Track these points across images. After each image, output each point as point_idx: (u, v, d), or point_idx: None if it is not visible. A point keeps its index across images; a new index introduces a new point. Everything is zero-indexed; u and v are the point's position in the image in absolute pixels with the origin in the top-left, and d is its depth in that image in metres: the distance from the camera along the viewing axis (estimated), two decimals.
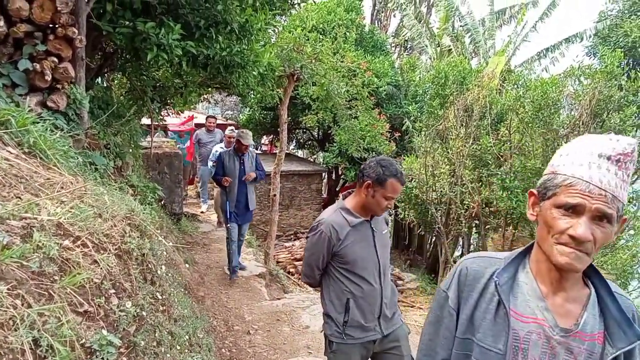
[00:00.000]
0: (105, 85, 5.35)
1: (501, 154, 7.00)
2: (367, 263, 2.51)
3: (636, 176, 6.86)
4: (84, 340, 1.45)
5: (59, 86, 3.13)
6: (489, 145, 6.92)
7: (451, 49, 14.83)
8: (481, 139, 7.13)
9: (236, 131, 6.50)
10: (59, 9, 2.98)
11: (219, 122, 15.10)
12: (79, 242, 1.71)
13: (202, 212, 9.63)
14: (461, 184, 7.20)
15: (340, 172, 14.62)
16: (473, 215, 7.23)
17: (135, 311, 1.84)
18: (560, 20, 17.78)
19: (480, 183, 7.14)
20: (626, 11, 11.83)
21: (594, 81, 6.22)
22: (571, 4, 21.67)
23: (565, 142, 6.46)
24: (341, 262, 2.50)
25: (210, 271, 6.36)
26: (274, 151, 11.09)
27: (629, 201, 6.91)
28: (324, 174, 15.34)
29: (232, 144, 7.23)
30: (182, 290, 3.81)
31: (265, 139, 18.68)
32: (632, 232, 7.49)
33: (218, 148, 7.72)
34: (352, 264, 2.48)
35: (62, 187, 1.98)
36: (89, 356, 1.44)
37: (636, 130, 6.81)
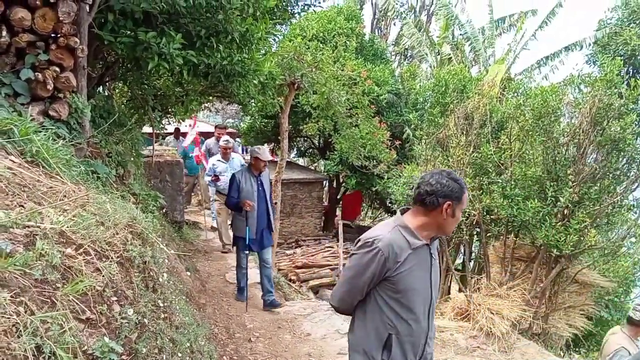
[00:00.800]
0: (106, 94, 5.39)
1: (502, 162, 7.01)
2: (419, 295, 2.17)
3: (637, 184, 6.87)
4: (86, 347, 1.46)
5: (60, 95, 3.16)
6: (489, 153, 6.93)
7: (451, 57, 14.90)
8: (482, 147, 7.14)
9: (251, 147, 6.19)
10: (61, 18, 3.01)
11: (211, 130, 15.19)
12: (81, 250, 1.72)
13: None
14: None
15: (341, 180, 14.63)
16: (474, 223, 7.22)
17: (137, 318, 1.85)
18: (559, 29, 17.88)
19: (481, 191, 7.14)
20: (625, 19, 11.89)
21: (593, 89, 6.24)
22: (570, 12, 21.79)
23: (566, 150, 6.50)
24: (391, 291, 2.12)
25: (211, 279, 6.37)
26: (275, 159, 11.12)
27: (629, 208, 6.91)
28: (325, 182, 15.36)
29: (228, 154, 7.21)
30: (184, 297, 3.81)
31: (266, 147, 18.72)
32: (633, 239, 7.48)
33: (215, 160, 7.34)
34: (404, 294, 2.12)
35: (65, 196, 2.00)
36: None
37: (636, 139, 6.83)
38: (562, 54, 14.26)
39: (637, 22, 11.57)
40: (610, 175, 6.35)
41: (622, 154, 6.28)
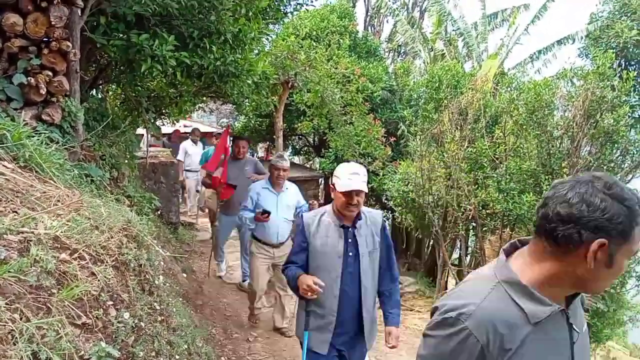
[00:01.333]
0: (100, 97, 5.37)
1: (496, 156, 7.04)
2: None
3: (631, 175, 6.90)
4: (82, 352, 1.46)
5: (53, 99, 3.15)
6: (484, 147, 6.96)
7: (444, 53, 14.91)
8: (476, 141, 7.16)
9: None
10: (52, 23, 3.00)
11: (210, 130, 15.06)
12: (76, 255, 1.72)
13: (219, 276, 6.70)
14: (457, 187, 7.22)
15: None
16: (470, 217, 7.25)
17: (134, 322, 1.85)
18: (551, 23, 17.92)
19: (477, 186, 7.17)
20: (617, 12, 11.91)
21: (586, 82, 6.27)
22: (562, 6, 21.84)
23: (560, 144, 6.53)
24: None
25: (208, 280, 6.36)
26: (270, 158, 11.10)
27: None
28: (320, 179, 15.35)
29: (282, 180, 4.79)
30: (181, 299, 3.81)
31: (261, 146, 18.70)
32: None
33: (260, 188, 5.05)
34: None
35: (59, 201, 2.00)
36: None
37: (629, 130, 6.86)
38: (554, 48, 14.27)
39: (629, 14, 11.59)
40: (605, 167, 6.38)
41: (615, 145, 6.32)
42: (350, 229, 2.76)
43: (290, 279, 2.82)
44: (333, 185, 2.73)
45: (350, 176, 2.64)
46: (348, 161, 9.69)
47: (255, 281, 4.87)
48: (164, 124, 7.55)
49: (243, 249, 6.08)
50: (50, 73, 3.11)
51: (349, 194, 2.63)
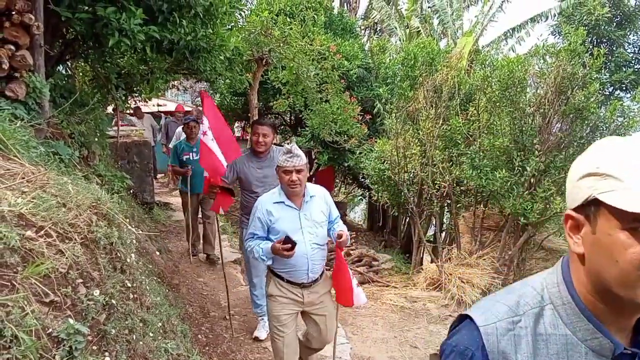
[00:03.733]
0: (67, 73, 5.20)
1: (470, 133, 7.10)
2: None
3: None
4: (50, 329, 1.44)
5: (17, 75, 3.05)
6: (458, 125, 7.00)
7: (420, 31, 14.87)
8: (451, 119, 7.20)
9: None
10: None
11: (187, 108, 14.81)
12: (42, 232, 1.68)
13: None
14: (432, 164, 7.28)
15: (313, 157, 14.61)
16: (444, 194, 7.33)
17: (105, 300, 1.82)
18: (525, 1, 18.00)
19: (451, 163, 7.23)
20: None
21: (558, 59, 6.33)
22: None
23: (532, 120, 6.61)
24: None
25: (184, 259, 6.33)
26: (247, 137, 11.01)
27: None
28: None
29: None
30: (155, 278, 3.79)
31: (237, 125, 18.53)
32: None
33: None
34: None
35: (23, 177, 1.94)
36: (56, 345, 1.43)
37: (600, 107, 6.98)
38: (528, 26, 14.37)
39: None
40: (575, 143, 6.50)
41: (586, 122, 6.42)
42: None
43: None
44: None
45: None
46: (324, 139, 9.69)
47: (280, 341, 3.22)
48: (135, 102, 7.38)
49: (251, 272, 4.54)
50: (12, 47, 3.00)
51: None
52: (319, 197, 3.31)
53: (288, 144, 4.07)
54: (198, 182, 5.87)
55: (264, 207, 3.18)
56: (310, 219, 3.18)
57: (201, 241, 6.65)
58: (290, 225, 3.11)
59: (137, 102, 7.48)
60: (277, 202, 3.17)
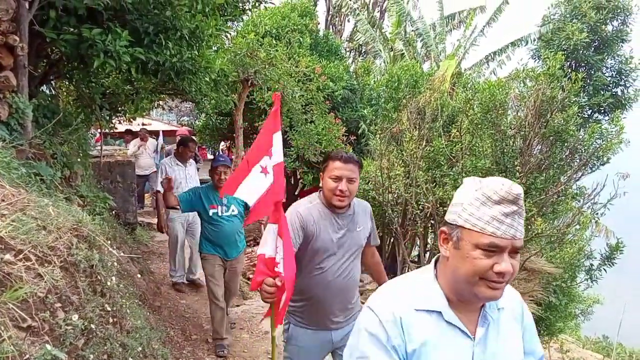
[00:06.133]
0: (51, 93, 5.18)
1: (453, 154, 7.19)
2: None
3: (580, 173, 7.18)
4: (27, 355, 1.42)
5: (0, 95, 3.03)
6: (441, 146, 7.09)
7: (404, 53, 15.13)
8: (434, 140, 7.29)
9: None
10: None
11: (172, 128, 14.76)
12: (21, 256, 1.66)
13: None
14: (416, 185, 7.34)
15: (298, 177, 14.63)
16: (428, 215, 7.38)
17: (84, 324, 1.80)
18: (506, 25, 18.46)
19: (434, 183, 7.30)
20: (568, 15, 12.40)
21: (537, 83, 6.48)
22: (516, 9, 22.54)
23: (513, 142, 6.72)
24: None
25: (166, 280, 6.25)
26: (232, 157, 10.99)
27: (573, 197, 7.23)
28: None
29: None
30: (137, 301, 3.73)
31: (222, 145, 18.52)
32: (577, 226, 7.82)
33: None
34: None
35: (3, 200, 1.92)
36: None
37: (579, 130, 7.13)
38: (508, 50, 14.72)
39: (579, 17, 12.08)
40: (555, 165, 6.61)
41: (565, 144, 6.56)
42: None
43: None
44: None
45: None
46: (309, 159, 9.72)
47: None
48: (120, 122, 7.35)
49: None
50: None
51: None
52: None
53: None
54: (231, 245, 4.59)
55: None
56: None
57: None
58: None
59: (122, 122, 7.41)
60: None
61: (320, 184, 2.66)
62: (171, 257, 6.09)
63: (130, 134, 11.33)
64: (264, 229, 2.82)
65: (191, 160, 6.38)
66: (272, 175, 2.57)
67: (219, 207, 4.46)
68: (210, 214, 4.44)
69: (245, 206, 4.55)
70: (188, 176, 6.06)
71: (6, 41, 3.02)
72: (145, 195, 11.37)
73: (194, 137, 6.11)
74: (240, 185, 2.59)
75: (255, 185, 2.58)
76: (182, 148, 6.06)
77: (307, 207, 2.66)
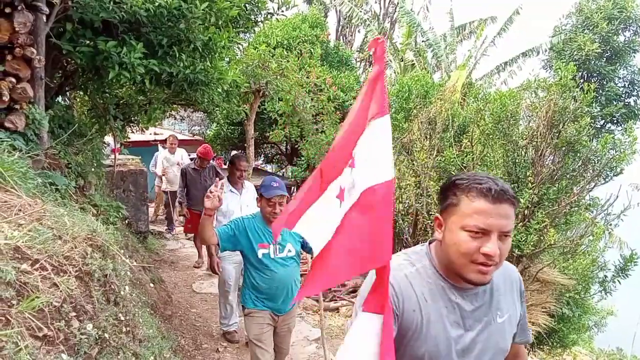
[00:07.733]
0: (66, 104, 5.26)
1: (464, 165, 7.17)
2: None
3: (593, 184, 7.12)
4: None
5: (17, 106, 3.08)
6: (452, 156, 7.08)
7: (414, 64, 15.18)
8: (445, 150, 7.28)
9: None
10: (16, 29, 2.95)
11: (183, 137, 14.84)
12: (37, 266, 1.69)
13: None
14: (427, 195, 7.32)
15: None
16: None
17: (97, 333, 1.82)
18: (517, 35, 18.44)
19: None
20: (579, 26, 12.38)
21: (549, 94, 6.46)
22: (527, 19, 22.51)
23: (525, 153, 6.68)
24: None
25: (177, 289, 6.28)
26: (221, 166, 11.05)
27: (586, 208, 7.16)
28: (292, 188, 15.37)
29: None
30: (148, 310, 3.76)
31: (233, 154, 18.65)
32: (591, 237, 7.73)
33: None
34: None
35: (20, 210, 1.95)
36: None
37: (591, 140, 7.08)
38: (519, 60, 14.71)
39: (591, 28, 12.05)
40: (568, 176, 6.56)
41: (577, 155, 6.51)
42: None
43: None
44: None
45: None
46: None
47: None
48: (132, 132, 7.43)
49: None
50: (13, 80, 3.04)
51: None
52: None
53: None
54: (285, 298, 3.44)
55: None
56: None
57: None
58: None
59: (135, 131, 7.47)
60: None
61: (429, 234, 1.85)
62: (221, 303, 5.09)
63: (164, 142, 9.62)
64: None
65: (247, 183, 5.19)
66: (358, 206, 1.34)
67: (271, 246, 3.34)
68: (260, 255, 3.32)
69: (303, 244, 3.48)
70: (244, 206, 4.94)
71: (24, 53, 3.08)
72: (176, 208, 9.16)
73: (240, 154, 5.17)
74: (305, 214, 1.43)
75: (326, 218, 1.40)
76: (231, 167, 4.98)
77: (409, 273, 1.54)
